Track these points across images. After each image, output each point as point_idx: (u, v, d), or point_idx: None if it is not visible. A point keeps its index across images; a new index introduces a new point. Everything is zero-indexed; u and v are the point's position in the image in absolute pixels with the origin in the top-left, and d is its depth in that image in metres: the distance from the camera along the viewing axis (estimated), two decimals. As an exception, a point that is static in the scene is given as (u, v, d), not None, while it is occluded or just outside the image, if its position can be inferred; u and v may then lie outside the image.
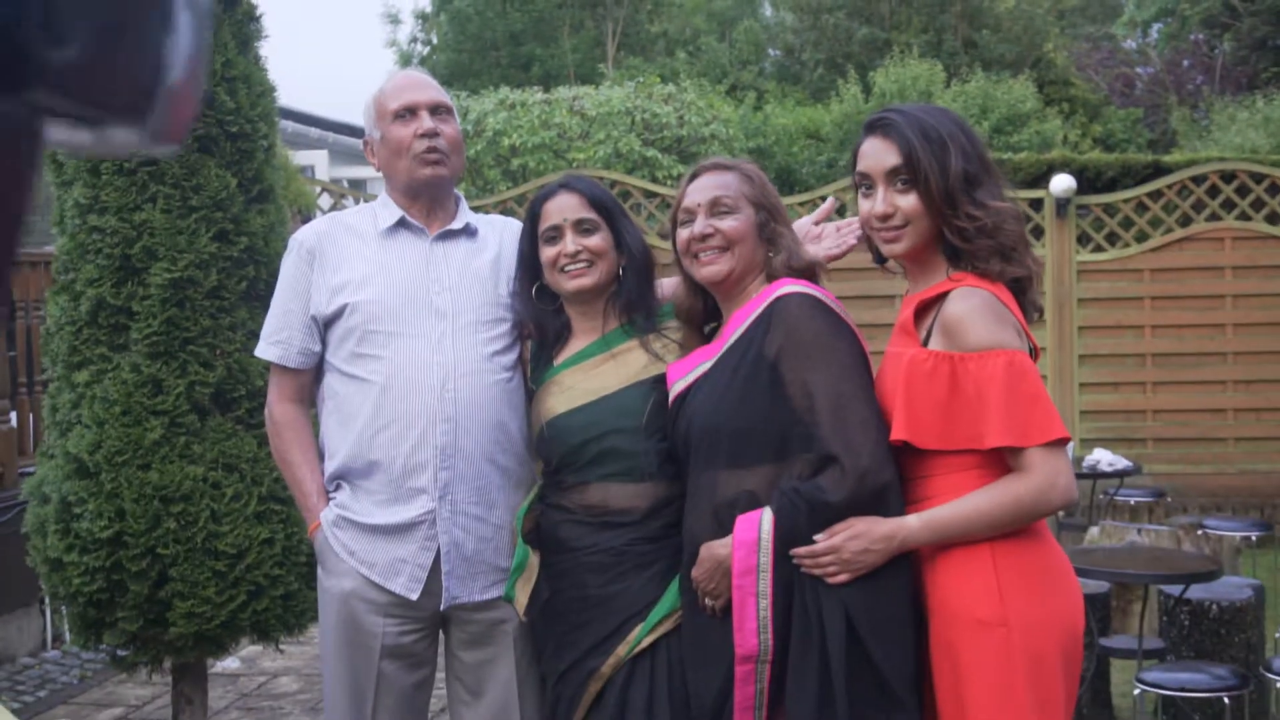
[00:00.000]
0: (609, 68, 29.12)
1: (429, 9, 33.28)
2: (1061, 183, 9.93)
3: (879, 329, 3.07)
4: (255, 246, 4.49)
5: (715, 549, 2.76)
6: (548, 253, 3.11)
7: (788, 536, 2.68)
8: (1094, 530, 7.02)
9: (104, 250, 4.34)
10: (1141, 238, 10.18)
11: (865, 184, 2.80)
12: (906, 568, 2.70)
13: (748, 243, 2.91)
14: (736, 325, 2.88)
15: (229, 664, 6.36)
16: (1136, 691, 4.73)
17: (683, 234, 2.96)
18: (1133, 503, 7.97)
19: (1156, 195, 10.25)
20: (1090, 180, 14.33)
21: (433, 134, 3.18)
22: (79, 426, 4.38)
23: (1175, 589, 5.36)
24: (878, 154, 2.75)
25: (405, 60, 33.27)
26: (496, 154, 17.89)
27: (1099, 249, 10.20)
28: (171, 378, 4.33)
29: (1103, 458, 7.86)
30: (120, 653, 4.56)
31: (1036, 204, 10.30)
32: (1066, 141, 23.62)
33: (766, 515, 2.70)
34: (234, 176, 4.48)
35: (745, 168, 2.99)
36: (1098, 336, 10.10)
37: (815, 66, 30.24)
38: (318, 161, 15.92)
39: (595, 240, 3.09)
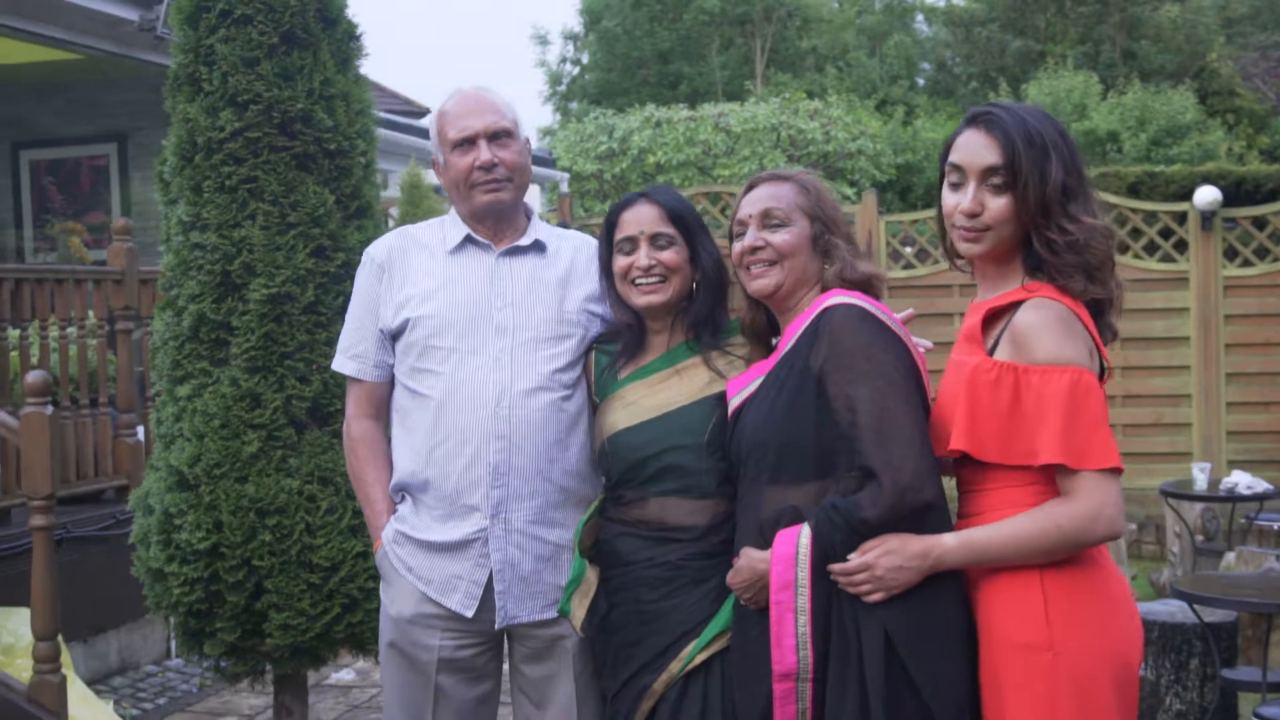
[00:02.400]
0: (757, 85, 29.05)
1: (578, 29, 33.62)
2: (1206, 195, 9.58)
3: (939, 347, 2.95)
4: (352, 262, 4.50)
5: (754, 560, 2.71)
6: (620, 263, 3.07)
7: (825, 552, 2.60)
8: (1230, 556, 6.73)
9: (205, 266, 4.42)
10: (1292, 251, 9.77)
11: (957, 176, 2.67)
12: (952, 588, 2.60)
13: (799, 256, 2.84)
14: (789, 338, 2.81)
15: (343, 675, 6.44)
16: (1254, 726, 4.50)
17: (735, 247, 2.91)
18: (1276, 528, 7.62)
19: (1309, 207, 9.83)
20: (1249, 193, 13.84)
21: (489, 166, 3.17)
22: (180, 439, 4.46)
23: (1307, 619, 5.09)
24: (976, 149, 2.62)
25: (555, 80, 33.66)
26: (642, 171, 17.98)
27: (1247, 264, 9.82)
28: (269, 392, 4.38)
29: (1240, 480, 7.53)
30: (222, 663, 4.63)
31: (1181, 218, 9.96)
32: (1231, 153, 22.86)
33: (805, 531, 2.63)
34: (331, 193, 4.53)
35: (803, 178, 2.92)
36: (1246, 354, 9.72)
37: (968, 80, 29.84)
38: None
39: (670, 255, 3.04)
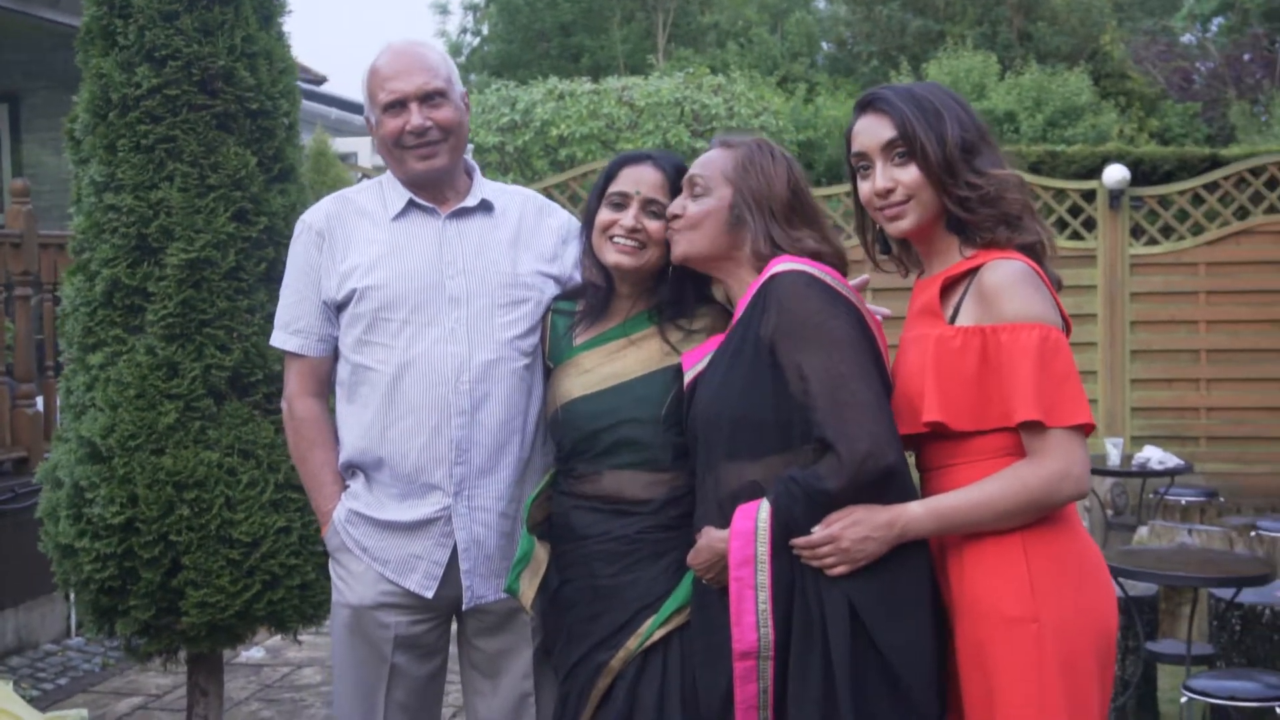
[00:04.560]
0: (659, 59, 28.97)
1: (479, 0, 33.25)
2: (1115, 174, 9.70)
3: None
4: (275, 227, 4.35)
5: (714, 539, 2.63)
6: (605, 216, 2.95)
7: (786, 527, 2.54)
8: (1143, 530, 6.81)
9: (120, 229, 4.23)
10: (1197, 231, 9.94)
11: (863, 164, 2.69)
12: (918, 555, 2.55)
13: (706, 227, 2.78)
14: (739, 310, 2.75)
15: (253, 654, 6.27)
16: (1184, 699, 4.53)
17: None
18: (1184, 502, 7.73)
19: (1213, 187, 10.01)
20: (1146, 174, 14.06)
21: (421, 130, 3.03)
22: (92, 410, 4.27)
23: (1226, 592, 5.15)
24: (872, 130, 2.65)
25: (455, 51, 33.24)
26: (545, 144, 17.78)
27: (1153, 242, 9.97)
28: (187, 361, 4.21)
29: (1153, 455, 7.64)
30: (135, 641, 4.45)
31: (1089, 196, 10.08)
32: (1123, 135, 23.27)
33: (764, 505, 2.56)
34: (254, 155, 4.35)
35: (752, 151, 2.82)
36: (1151, 331, 9.88)
37: (868, 59, 30.00)
38: (360, 149, 15.87)
39: (657, 225, 2.91)
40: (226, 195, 4.27)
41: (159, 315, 4.20)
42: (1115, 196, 9.79)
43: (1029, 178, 10.62)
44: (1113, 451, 7.86)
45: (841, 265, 2.75)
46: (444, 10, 34.29)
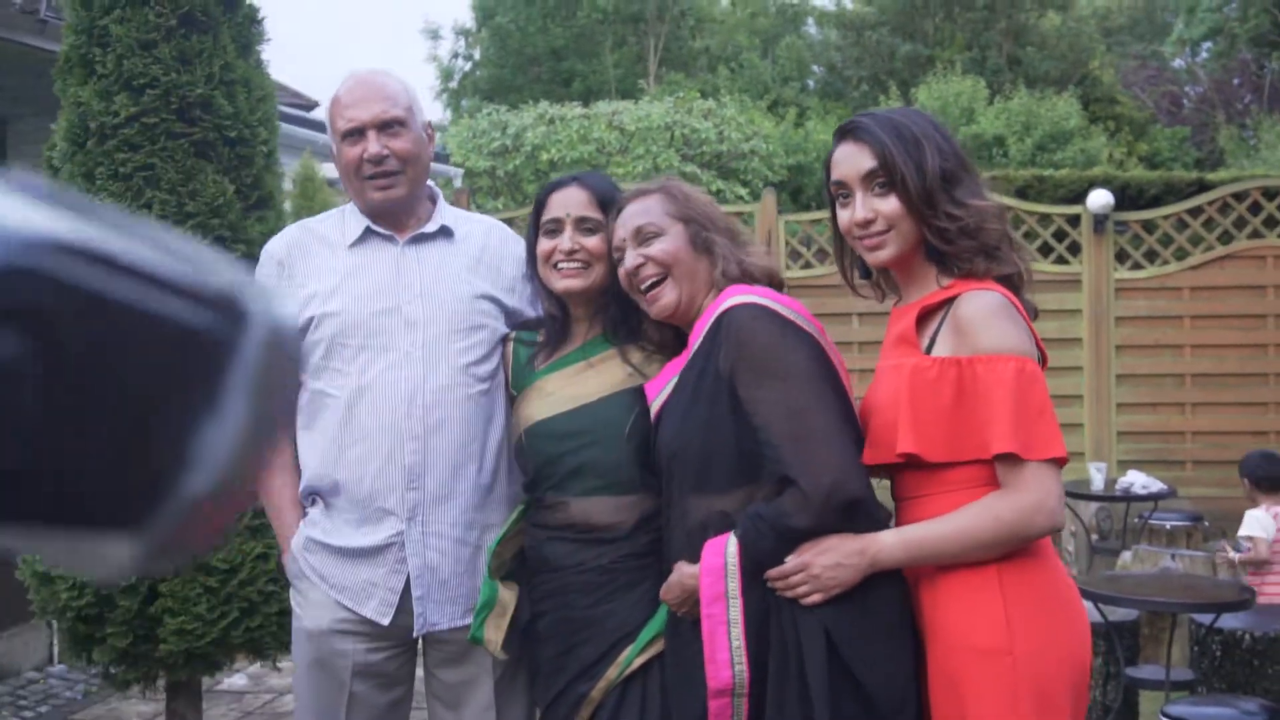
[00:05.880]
0: (650, 83, 29.07)
1: (470, 25, 33.36)
2: (1099, 198, 9.72)
3: (839, 345, 2.90)
4: (253, 254, 4.31)
5: (684, 575, 2.61)
6: (544, 246, 2.95)
7: (755, 561, 2.52)
8: (1126, 555, 6.81)
9: (97, 257, 4.24)
10: (1182, 255, 9.95)
11: (843, 193, 2.65)
12: (892, 584, 2.54)
13: (684, 261, 2.76)
14: (693, 341, 2.74)
15: (235, 681, 6.25)
16: (1161, 725, 4.53)
17: (621, 272, 2.83)
18: (1169, 527, 7.74)
19: (1197, 212, 10.02)
20: (1133, 198, 14.12)
21: (378, 159, 3.01)
22: (70, 437, 4.28)
23: (1206, 618, 5.15)
24: (851, 159, 2.61)
25: (447, 75, 33.34)
26: (535, 168, 17.85)
27: (1138, 266, 9.98)
28: (165, 388, 4.21)
29: (1136, 480, 7.64)
30: (112, 669, 4.45)
31: (1074, 221, 10.10)
32: (1112, 159, 23.37)
33: (732, 541, 2.54)
34: (232, 183, 4.37)
35: (669, 186, 2.83)
36: (1136, 356, 9.87)
37: (858, 83, 30.15)
38: (350, 174, 15.91)
39: (594, 241, 2.91)
40: (204, 223, 4.28)
41: (137, 342, 4.20)
42: (1100, 221, 9.80)
43: (1015, 203, 10.65)
44: (1096, 476, 7.86)
45: (780, 282, 2.77)
46: (435, 35, 34.47)
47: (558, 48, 31.39)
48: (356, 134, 3.03)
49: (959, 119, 23.08)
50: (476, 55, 33.38)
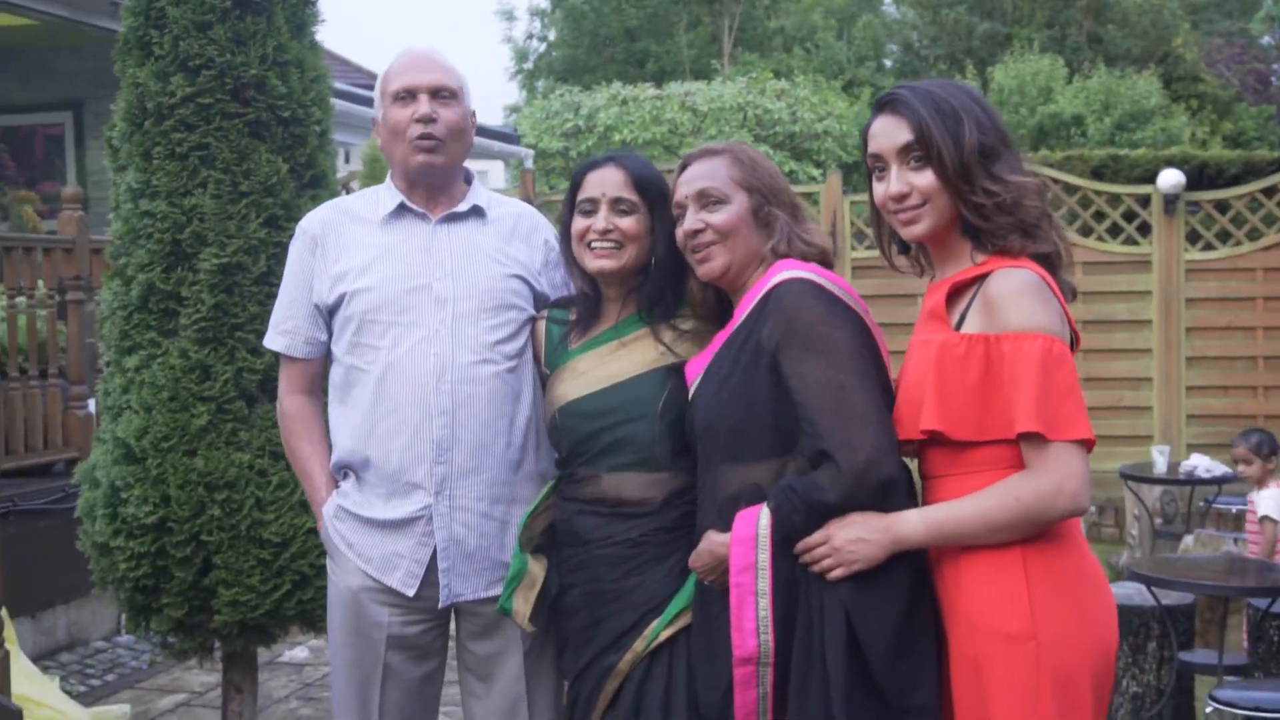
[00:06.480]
0: (724, 64, 28.96)
1: (545, 5, 33.42)
2: (1169, 178, 9.58)
3: (901, 327, 2.89)
4: (306, 233, 4.42)
5: (714, 543, 2.65)
6: (578, 224, 2.99)
7: (786, 534, 2.54)
8: (1189, 539, 6.73)
9: (155, 235, 4.32)
10: (1255, 235, 9.78)
11: (879, 166, 2.63)
12: (913, 568, 2.54)
13: (741, 233, 2.77)
14: (740, 315, 2.75)
15: (297, 653, 6.36)
16: (1209, 709, 4.48)
17: (678, 231, 2.85)
18: (1234, 511, 7.63)
19: (1271, 191, 9.85)
20: (1212, 177, 13.87)
21: (428, 119, 3.05)
22: (128, 411, 4.37)
23: (1263, 602, 5.08)
24: (888, 132, 2.59)
25: (521, 56, 33.44)
26: (607, 149, 17.87)
27: (1209, 247, 9.83)
28: (219, 364, 4.29)
29: (1200, 463, 7.54)
30: (169, 639, 4.54)
31: (1145, 201, 9.96)
32: (1194, 139, 22.95)
33: (764, 512, 2.57)
34: (285, 162, 4.42)
35: (736, 150, 2.85)
36: (1207, 338, 9.74)
37: (935, 62, 29.82)
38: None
39: (628, 222, 2.95)
40: (258, 202, 4.35)
41: (192, 319, 4.29)
42: (1170, 201, 9.66)
43: (1083, 182, 10.52)
44: (1159, 459, 7.77)
45: (830, 261, 2.77)
46: (510, 16, 34.53)
47: (632, 28, 31.35)
48: (408, 95, 3.08)
49: (1036, 98, 22.76)
50: (551, 36, 33.47)
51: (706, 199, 2.79)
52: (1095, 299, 9.56)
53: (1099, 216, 10.21)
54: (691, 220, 2.80)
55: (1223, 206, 9.99)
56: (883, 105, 2.63)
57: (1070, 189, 10.33)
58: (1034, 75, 23.49)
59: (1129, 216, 10.01)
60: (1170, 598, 5.18)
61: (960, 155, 2.51)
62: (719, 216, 2.77)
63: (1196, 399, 9.76)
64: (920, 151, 2.55)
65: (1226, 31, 30.35)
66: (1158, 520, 8.14)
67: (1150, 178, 11.30)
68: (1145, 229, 9.91)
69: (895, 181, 2.58)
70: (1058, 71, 23.72)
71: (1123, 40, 28.34)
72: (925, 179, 2.55)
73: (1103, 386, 9.79)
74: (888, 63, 32.51)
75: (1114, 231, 10.06)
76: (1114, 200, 10.23)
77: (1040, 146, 19.97)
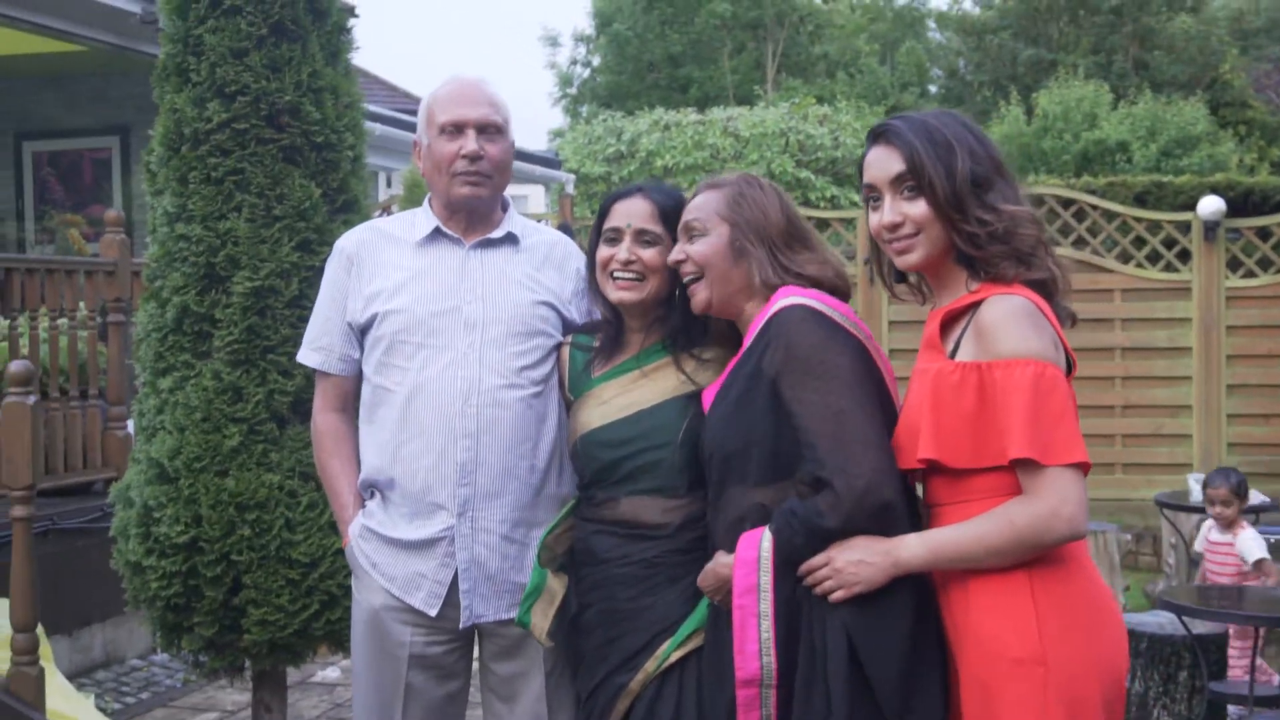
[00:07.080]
0: (768, 89, 29.02)
1: (589, 31, 33.61)
2: (1209, 205, 9.52)
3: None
4: (339, 257, 4.48)
5: (719, 564, 2.68)
6: (603, 253, 3.03)
7: (787, 557, 2.56)
8: (1224, 568, 6.65)
9: (189, 258, 4.39)
10: (1297, 263, 9.71)
11: (873, 196, 2.66)
12: (915, 592, 2.54)
13: (717, 265, 2.81)
14: (745, 343, 2.78)
15: (328, 673, 6.40)
16: (1239, 740, 4.45)
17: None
18: (1272, 540, 7.53)
19: (1313, 218, 9.77)
20: (1257, 204, 13.76)
21: (475, 156, 3.10)
22: (162, 432, 4.43)
23: (1297, 632, 5.04)
24: (881, 162, 2.62)
25: (566, 82, 33.63)
26: (649, 174, 17.93)
27: (1250, 274, 9.75)
28: (251, 386, 4.35)
29: (1238, 492, 7.45)
30: (200, 658, 4.60)
31: (1185, 228, 9.90)
32: (1242, 165, 22.77)
33: (767, 536, 2.58)
34: (318, 187, 4.49)
35: (739, 184, 2.87)
36: (1248, 365, 9.66)
37: (979, 88, 29.78)
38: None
39: (652, 254, 2.98)
40: (291, 226, 4.41)
41: (225, 341, 4.35)
42: (1210, 228, 9.60)
43: (1122, 209, 10.47)
44: (1195, 488, 7.69)
45: (844, 288, 2.79)
46: (554, 43, 34.76)
47: (675, 54, 31.49)
48: (456, 130, 3.12)
49: (1081, 124, 22.68)
50: (595, 62, 33.66)
51: (690, 231, 2.86)
52: (1135, 326, 9.51)
53: (1139, 243, 10.16)
54: (676, 251, 2.88)
55: (1265, 233, 9.92)
56: (876, 136, 2.66)
57: (1110, 215, 10.29)
58: (1079, 101, 23.42)
59: (1169, 243, 9.96)
60: (1202, 627, 5.14)
61: (953, 185, 2.54)
62: (695, 248, 2.84)
63: (1237, 427, 9.68)
64: (913, 181, 2.57)
65: (1275, 57, 30.10)
66: (1194, 549, 8.06)
67: (1194, 204, 11.24)
68: (1185, 256, 9.85)
69: (889, 211, 2.61)
70: (1103, 97, 23.64)
71: (1169, 66, 28.22)
72: (918, 209, 2.57)
73: (1142, 414, 9.72)
74: (932, 88, 32.48)
75: (1153, 258, 10.01)
76: (1154, 227, 10.18)
77: (1084, 173, 19.87)
